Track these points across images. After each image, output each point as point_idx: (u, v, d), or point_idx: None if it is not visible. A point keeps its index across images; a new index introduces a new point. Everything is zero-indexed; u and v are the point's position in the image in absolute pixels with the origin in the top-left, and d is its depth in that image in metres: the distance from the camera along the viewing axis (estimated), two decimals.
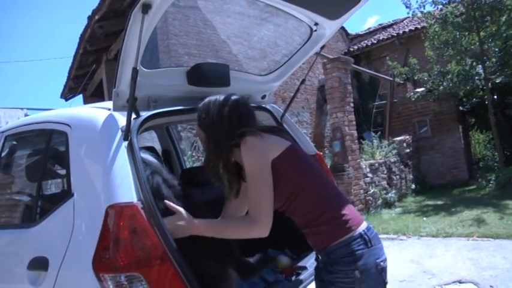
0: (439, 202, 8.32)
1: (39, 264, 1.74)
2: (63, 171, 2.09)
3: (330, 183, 1.74)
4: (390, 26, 14.23)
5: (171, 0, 1.58)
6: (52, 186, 3.13)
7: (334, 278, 1.58)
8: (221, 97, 1.70)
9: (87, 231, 1.64)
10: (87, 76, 11.52)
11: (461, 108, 10.75)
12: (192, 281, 1.55)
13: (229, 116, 1.64)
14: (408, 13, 10.22)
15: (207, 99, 1.71)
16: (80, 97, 13.91)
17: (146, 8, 1.50)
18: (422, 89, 10.65)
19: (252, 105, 2.38)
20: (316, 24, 2.19)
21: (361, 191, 7.67)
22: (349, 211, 1.63)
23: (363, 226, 1.61)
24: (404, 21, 13.82)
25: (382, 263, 1.59)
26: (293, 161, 1.65)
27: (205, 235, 1.62)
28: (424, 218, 6.96)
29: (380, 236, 5.29)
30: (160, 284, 1.52)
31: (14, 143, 2.65)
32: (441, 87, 9.64)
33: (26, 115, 7.42)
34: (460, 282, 3.93)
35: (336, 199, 1.67)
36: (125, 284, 1.49)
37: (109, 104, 1.88)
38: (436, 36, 9.33)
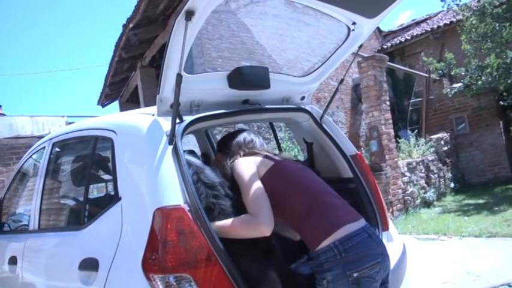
0: (481, 201, 8.04)
1: (90, 265, 1.80)
2: (109, 176, 2.16)
3: (315, 193, 1.81)
4: (424, 20, 13.90)
5: (214, 7, 1.61)
6: (98, 190, 3.24)
7: (316, 280, 1.70)
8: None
9: (135, 233, 1.69)
10: (126, 83, 11.82)
11: (501, 103, 10.31)
12: (239, 280, 1.58)
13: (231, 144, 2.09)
14: (443, 6, 9.94)
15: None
16: (115, 103, 14.31)
17: (189, 15, 1.54)
18: (460, 84, 10.32)
19: (292, 106, 2.41)
20: (354, 23, 2.17)
21: (399, 191, 7.53)
22: (327, 220, 1.70)
23: (338, 235, 1.64)
24: (438, 15, 13.46)
25: (355, 274, 1.60)
26: (277, 178, 1.83)
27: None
28: (465, 218, 6.75)
29: (420, 236, 5.17)
30: (207, 284, 1.55)
31: (61, 149, 2.75)
32: (479, 82, 9.30)
33: (66, 122, 7.68)
34: (509, 285, 3.74)
35: (317, 209, 1.74)
36: (174, 284, 1.53)
37: (152, 109, 1.93)
38: (474, 29, 9.01)
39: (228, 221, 1.71)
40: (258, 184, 1.77)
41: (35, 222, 2.53)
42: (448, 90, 10.50)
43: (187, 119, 1.85)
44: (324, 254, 1.63)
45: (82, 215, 2.24)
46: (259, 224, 1.66)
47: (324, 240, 1.64)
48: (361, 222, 1.75)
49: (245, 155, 2.01)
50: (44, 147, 2.73)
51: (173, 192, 1.62)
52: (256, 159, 1.92)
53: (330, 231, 1.65)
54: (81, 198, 2.37)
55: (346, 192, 2.43)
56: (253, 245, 1.85)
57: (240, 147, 2.07)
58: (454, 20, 11.40)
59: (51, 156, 2.64)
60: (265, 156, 1.95)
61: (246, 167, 1.85)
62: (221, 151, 2.14)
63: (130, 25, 8.22)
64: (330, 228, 1.66)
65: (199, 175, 1.80)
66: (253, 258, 1.82)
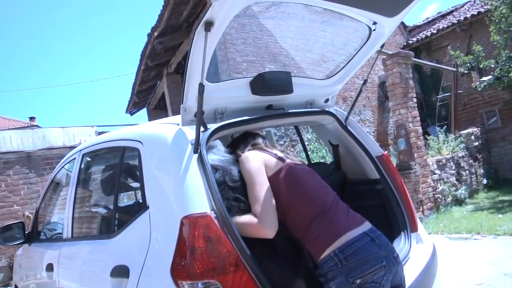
0: None
1: (121, 272, 1.85)
2: (137, 186, 2.21)
3: (319, 202, 1.76)
4: (450, 13, 13.58)
5: (232, 16, 1.63)
6: (127, 199, 3.32)
7: None
8: None
9: (164, 241, 1.71)
10: (153, 90, 12.01)
11: None
12: (267, 286, 1.58)
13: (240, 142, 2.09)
14: None
15: None
16: (143, 111, 14.58)
17: (209, 25, 1.56)
18: (489, 77, 10.01)
19: (316, 109, 2.41)
20: (374, 23, 2.15)
21: (430, 189, 7.38)
22: (328, 230, 1.67)
23: (338, 243, 1.63)
24: (465, 6, 13.14)
25: (359, 280, 1.58)
26: (284, 182, 1.79)
27: None
28: (500, 215, 6.54)
29: (452, 236, 5.03)
30: None
31: (91, 160, 2.83)
32: (511, 74, 9.03)
33: (96, 132, 7.87)
34: None
35: (319, 220, 1.71)
36: None
37: (177, 119, 1.96)
38: (504, 19, 8.74)
39: (234, 219, 1.73)
40: (265, 184, 1.76)
41: (68, 231, 2.61)
42: (478, 83, 10.21)
43: (212, 127, 1.87)
44: (327, 264, 1.62)
45: (112, 223, 2.30)
46: (263, 228, 1.67)
47: (325, 250, 1.64)
48: (364, 227, 1.71)
49: (254, 148, 1.98)
50: (74, 158, 2.81)
51: (199, 200, 1.64)
52: (266, 158, 1.88)
53: (330, 241, 1.64)
54: (111, 207, 2.43)
55: (373, 194, 2.42)
56: (280, 251, 1.86)
57: (248, 143, 2.06)
58: (481, 10, 11.09)
59: (82, 166, 2.72)
60: (275, 156, 1.91)
61: (255, 163, 1.82)
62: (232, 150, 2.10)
63: (155, 34, 8.37)
64: (331, 237, 1.65)
65: (224, 177, 1.83)
66: (279, 264, 1.82)
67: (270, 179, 1.80)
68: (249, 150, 1.98)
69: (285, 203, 1.75)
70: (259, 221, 1.68)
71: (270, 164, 1.85)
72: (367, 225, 1.74)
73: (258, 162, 1.83)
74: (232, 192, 1.81)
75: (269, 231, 1.67)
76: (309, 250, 1.74)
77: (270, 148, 2.01)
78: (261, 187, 1.74)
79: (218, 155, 1.93)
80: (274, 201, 1.73)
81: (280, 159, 1.90)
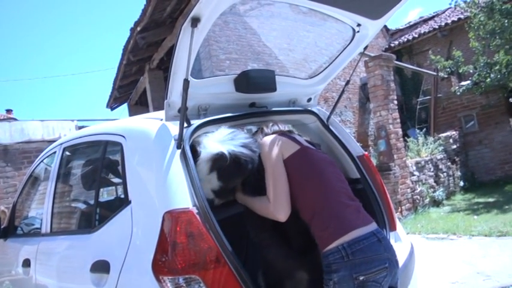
0: (491, 199, 7.99)
1: (101, 267, 1.83)
2: (119, 180, 2.19)
3: (332, 191, 1.80)
4: (431, 18, 13.83)
5: (219, 13, 1.64)
6: (108, 194, 3.29)
7: (324, 280, 1.70)
8: None
9: (145, 236, 1.71)
10: (135, 86, 11.89)
11: (511, 100, 10.25)
12: (248, 282, 1.60)
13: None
14: (450, 3, 9.87)
15: None
16: (124, 106, 14.43)
17: (195, 22, 1.56)
18: (468, 82, 10.22)
19: (298, 108, 2.43)
20: (358, 25, 2.18)
21: (408, 190, 7.51)
22: (338, 222, 1.70)
23: (347, 238, 1.65)
24: (446, 12, 13.39)
25: (362, 277, 1.61)
26: (298, 165, 1.84)
27: (248, 206, 1.88)
28: (475, 217, 6.71)
29: (429, 236, 5.12)
30: (216, 285, 1.57)
31: (72, 154, 2.79)
32: (488, 80, 9.22)
33: (76, 126, 7.74)
34: None
35: (330, 209, 1.75)
36: (183, 285, 1.55)
37: (160, 114, 1.96)
38: (482, 26, 8.93)
39: (252, 200, 1.84)
40: (279, 170, 1.80)
41: (47, 226, 2.57)
42: (457, 88, 10.42)
43: (195, 123, 1.88)
44: (332, 255, 1.64)
45: (93, 218, 2.28)
46: (274, 212, 1.75)
47: (333, 242, 1.65)
48: (372, 226, 1.74)
49: (274, 132, 2.02)
50: (54, 152, 2.77)
51: (182, 196, 1.64)
52: (283, 141, 1.90)
53: (340, 234, 1.66)
54: (92, 202, 2.41)
55: (353, 193, 2.45)
56: (292, 239, 1.89)
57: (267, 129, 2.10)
58: (461, 17, 11.32)
59: (62, 160, 2.68)
60: (293, 139, 1.93)
61: (271, 148, 1.85)
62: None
63: (138, 28, 8.30)
64: (341, 230, 1.67)
65: (253, 167, 1.87)
66: (285, 252, 1.84)
67: (285, 161, 1.83)
68: (270, 134, 2.01)
69: (295, 186, 1.79)
70: (271, 205, 1.75)
71: (286, 146, 1.88)
72: (374, 226, 1.77)
73: (274, 147, 1.86)
74: (260, 181, 1.85)
75: (280, 215, 1.74)
76: (316, 239, 1.76)
77: (290, 132, 2.05)
78: (275, 173, 1.80)
79: (241, 139, 1.91)
80: (287, 186, 1.78)
81: (297, 142, 1.92)
